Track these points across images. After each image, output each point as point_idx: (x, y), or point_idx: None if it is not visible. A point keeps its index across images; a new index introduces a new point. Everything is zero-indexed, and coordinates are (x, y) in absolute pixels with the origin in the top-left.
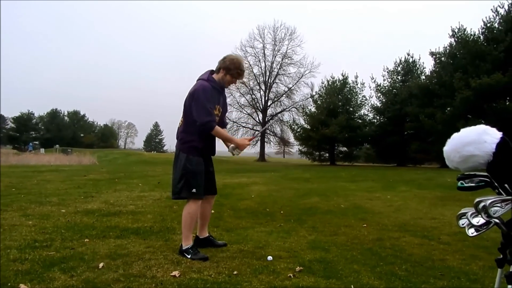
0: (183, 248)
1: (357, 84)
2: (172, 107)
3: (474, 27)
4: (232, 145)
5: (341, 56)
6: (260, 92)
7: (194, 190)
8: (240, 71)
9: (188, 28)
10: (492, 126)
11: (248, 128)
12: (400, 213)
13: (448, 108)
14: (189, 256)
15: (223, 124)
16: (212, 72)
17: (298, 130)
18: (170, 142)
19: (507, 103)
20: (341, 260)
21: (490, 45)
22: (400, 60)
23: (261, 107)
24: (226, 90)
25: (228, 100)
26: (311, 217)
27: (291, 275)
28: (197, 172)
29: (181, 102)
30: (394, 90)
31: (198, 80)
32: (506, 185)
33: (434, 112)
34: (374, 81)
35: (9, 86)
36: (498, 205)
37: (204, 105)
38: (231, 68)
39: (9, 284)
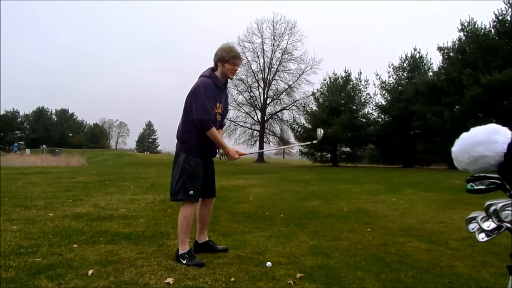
0: (179, 253)
1: (360, 81)
2: (166, 102)
3: (484, 20)
4: (222, 150)
5: (344, 51)
6: (258, 90)
7: (191, 192)
8: (234, 55)
9: (182, 19)
10: (504, 125)
11: (246, 127)
12: (406, 217)
13: (457, 106)
14: (184, 262)
15: (221, 125)
16: (213, 69)
17: (299, 129)
18: (164, 143)
19: None
20: (344, 267)
21: (502, 39)
22: (406, 56)
23: (260, 105)
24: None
25: None
26: (312, 221)
27: (291, 282)
28: (195, 174)
29: (176, 99)
30: (400, 87)
31: (200, 77)
32: None
33: (442, 110)
34: (379, 78)
35: None
36: (510, 208)
37: (204, 102)
38: (224, 56)
39: None
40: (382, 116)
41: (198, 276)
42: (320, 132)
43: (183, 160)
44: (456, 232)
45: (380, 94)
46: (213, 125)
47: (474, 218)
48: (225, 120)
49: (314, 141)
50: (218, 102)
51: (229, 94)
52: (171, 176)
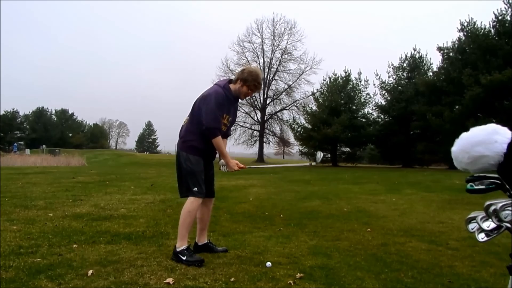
0: (178, 250)
1: (360, 81)
2: (166, 103)
3: (484, 20)
4: (222, 160)
5: (344, 51)
6: None
7: (195, 189)
8: (257, 84)
9: (182, 19)
10: (503, 125)
11: (246, 127)
12: (405, 217)
13: (457, 106)
14: (184, 258)
15: (226, 134)
16: (230, 81)
17: (299, 129)
18: (163, 143)
19: None
20: (344, 267)
21: (501, 39)
22: (406, 56)
23: (260, 105)
24: None
25: None
26: (312, 221)
27: (291, 282)
28: (196, 171)
29: (176, 100)
30: (400, 88)
31: (214, 84)
32: None
33: (441, 110)
34: (379, 78)
35: None
36: (510, 208)
37: (214, 111)
38: (248, 80)
39: None
40: (382, 116)
41: (198, 276)
42: (320, 155)
43: (184, 158)
44: (456, 232)
45: (380, 94)
46: (219, 134)
47: (474, 218)
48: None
49: (313, 163)
50: (226, 113)
51: None
52: (177, 176)
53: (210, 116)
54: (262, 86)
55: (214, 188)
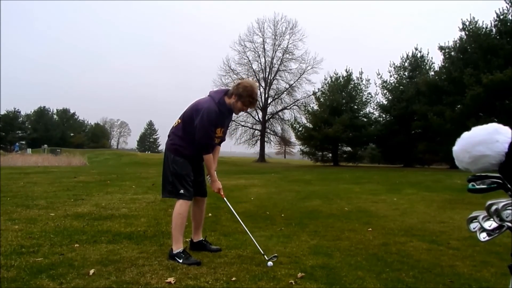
0: (174, 252)
1: (362, 81)
2: (167, 102)
3: (486, 19)
4: (208, 176)
5: (345, 50)
6: (259, 89)
7: (181, 191)
8: (251, 99)
9: (184, 19)
10: (505, 124)
11: (247, 127)
12: (406, 216)
13: (458, 106)
14: (180, 261)
15: (221, 141)
16: (226, 92)
17: (300, 129)
18: (165, 142)
19: None
20: (345, 266)
21: (503, 39)
22: (407, 55)
23: (261, 105)
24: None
25: None
26: (313, 221)
27: (293, 281)
28: (183, 174)
29: (176, 99)
30: (401, 87)
31: (209, 96)
32: None
33: (443, 110)
34: (380, 77)
35: None
36: (511, 208)
37: (206, 128)
38: (243, 95)
39: None
40: (383, 115)
41: (199, 275)
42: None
43: (171, 160)
44: (457, 232)
45: (381, 94)
46: (211, 151)
47: (475, 218)
48: None
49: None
50: (220, 127)
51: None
52: (162, 175)
53: (203, 134)
54: (257, 101)
55: (205, 187)
